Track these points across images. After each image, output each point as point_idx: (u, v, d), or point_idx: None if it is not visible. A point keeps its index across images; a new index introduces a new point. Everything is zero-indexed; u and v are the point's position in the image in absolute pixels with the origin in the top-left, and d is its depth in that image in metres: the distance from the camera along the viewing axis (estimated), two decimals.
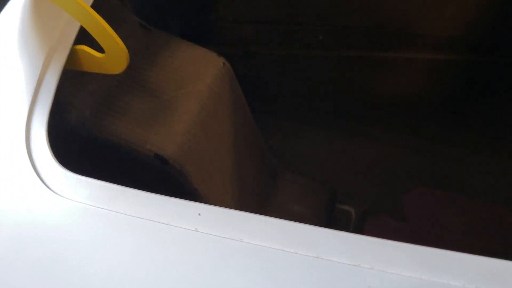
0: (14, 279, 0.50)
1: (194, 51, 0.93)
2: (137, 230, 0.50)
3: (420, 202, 1.27)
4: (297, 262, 0.45)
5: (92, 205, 0.52)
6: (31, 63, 0.61)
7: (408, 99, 1.33)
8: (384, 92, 1.32)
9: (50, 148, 0.56)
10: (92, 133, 0.78)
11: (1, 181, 0.56)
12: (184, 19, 1.22)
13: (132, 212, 0.50)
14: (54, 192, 0.53)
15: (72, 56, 0.65)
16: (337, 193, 1.21)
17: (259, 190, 1.08)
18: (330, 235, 0.46)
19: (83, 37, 0.66)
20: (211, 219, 0.48)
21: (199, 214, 0.49)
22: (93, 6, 0.68)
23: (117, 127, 0.79)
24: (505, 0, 1.14)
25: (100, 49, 0.65)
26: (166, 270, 0.47)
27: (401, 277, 0.42)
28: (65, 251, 0.50)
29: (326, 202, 1.18)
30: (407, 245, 0.44)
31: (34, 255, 0.51)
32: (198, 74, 0.90)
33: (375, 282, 0.42)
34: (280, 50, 1.31)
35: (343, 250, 0.44)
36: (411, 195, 1.28)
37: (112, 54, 0.64)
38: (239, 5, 1.26)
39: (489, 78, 1.27)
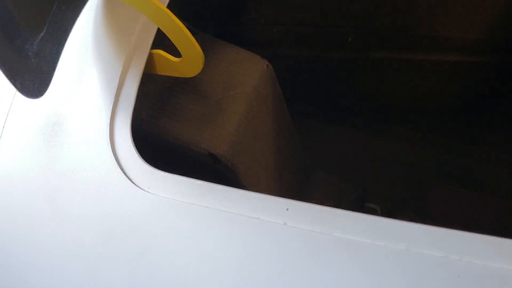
0: (111, 266, 0.53)
1: (239, 54, 0.96)
2: (227, 224, 0.53)
3: (444, 200, 1.31)
4: (388, 255, 0.48)
5: (181, 201, 0.55)
6: (110, 67, 0.64)
7: (435, 99, 1.36)
8: (411, 93, 1.36)
9: (135, 147, 0.59)
10: (150, 133, 0.81)
11: (90, 180, 0.59)
12: (218, 21, 1.25)
13: (221, 206, 0.53)
14: (142, 189, 0.56)
15: (149, 60, 0.68)
16: (365, 192, 1.24)
17: (295, 187, 1.11)
18: (417, 229, 0.49)
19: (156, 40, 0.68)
20: (299, 213, 0.51)
21: (287, 209, 0.52)
22: None
23: (172, 127, 0.82)
24: None
25: (173, 52, 0.68)
26: (256, 263, 0.50)
27: (490, 268, 0.46)
28: (155, 243, 0.53)
29: (356, 200, 1.22)
30: (494, 238, 0.47)
31: (125, 247, 0.54)
32: (244, 76, 0.93)
33: (464, 273, 0.45)
34: (309, 52, 1.34)
35: (431, 243, 0.47)
36: (436, 193, 1.32)
37: (189, 58, 0.66)
38: (269, 9, 1.29)
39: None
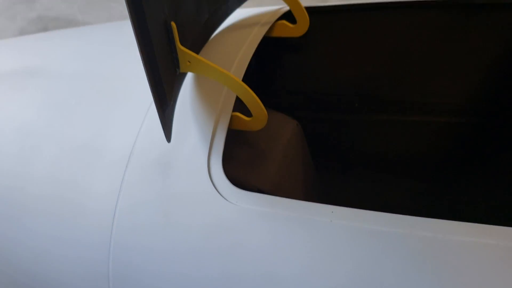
0: (206, 266, 0.76)
1: (275, 115, 1.25)
2: (301, 225, 0.77)
3: None
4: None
5: (260, 210, 0.80)
6: (206, 124, 0.92)
7: (430, 155, 1.63)
8: (407, 148, 1.63)
9: (225, 176, 0.86)
10: None
11: (194, 199, 0.84)
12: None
13: (289, 212, 0.78)
14: (232, 203, 0.82)
15: (230, 119, 0.95)
16: None
17: None
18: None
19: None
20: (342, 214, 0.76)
21: (332, 212, 0.77)
22: None
23: (231, 170, 1.09)
24: (502, 75, 1.48)
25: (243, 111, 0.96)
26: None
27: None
28: (243, 240, 0.78)
29: None
30: None
31: (221, 244, 0.78)
32: (280, 131, 1.21)
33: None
34: (323, 115, 1.63)
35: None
36: None
37: (257, 117, 0.94)
38: (290, 81, 1.59)
39: (491, 138, 1.59)
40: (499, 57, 1.38)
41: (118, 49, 1.24)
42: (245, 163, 1.12)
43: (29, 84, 1.16)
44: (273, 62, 1.53)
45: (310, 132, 1.64)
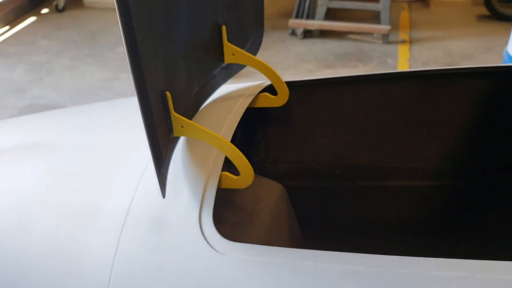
0: None
1: (261, 179, 1.33)
2: (288, 270, 0.82)
3: None
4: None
5: (250, 259, 0.85)
6: (197, 183, 0.99)
7: (405, 218, 1.71)
8: (387, 212, 1.71)
9: (216, 229, 0.92)
10: None
11: (187, 252, 0.89)
12: None
13: (277, 259, 0.84)
14: (223, 254, 0.87)
15: (219, 178, 1.03)
16: None
17: None
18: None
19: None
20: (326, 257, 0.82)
21: (316, 256, 0.83)
22: None
23: (218, 230, 1.14)
24: (468, 138, 1.61)
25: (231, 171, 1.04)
26: None
27: None
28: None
29: None
30: None
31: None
32: (267, 194, 1.29)
33: None
34: (308, 183, 1.72)
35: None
36: None
37: (244, 175, 1.02)
38: (275, 150, 1.70)
39: (466, 200, 1.68)
40: (465, 121, 1.51)
41: (113, 123, 1.34)
42: (234, 224, 1.18)
43: (30, 157, 1.24)
44: (258, 134, 1.64)
45: (296, 200, 1.71)
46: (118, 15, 0.75)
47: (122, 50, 4.48)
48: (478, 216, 1.63)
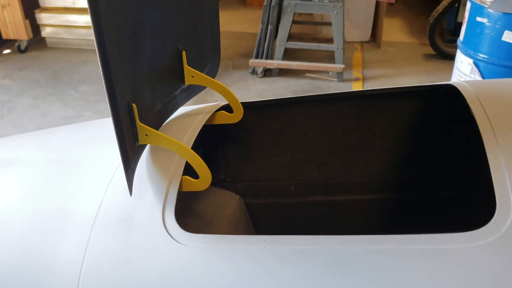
0: None
1: (220, 191, 1.45)
2: (243, 253, 0.93)
3: None
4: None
5: (210, 246, 0.96)
6: (160, 184, 1.10)
7: (355, 230, 1.85)
8: (339, 226, 1.84)
9: (177, 223, 1.02)
10: None
11: (152, 245, 0.99)
12: None
13: (228, 245, 0.95)
14: (184, 244, 0.98)
15: (180, 181, 1.14)
16: None
17: None
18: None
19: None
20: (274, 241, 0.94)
21: (265, 240, 0.94)
22: None
23: None
24: (409, 153, 1.78)
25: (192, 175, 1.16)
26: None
27: None
28: (196, 276, 0.93)
29: None
30: None
31: (176, 285, 0.93)
32: (226, 204, 1.40)
33: None
34: (265, 200, 1.84)
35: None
36: None
37: (203, 178, 1.14)
38: (234, 169, 1.82)
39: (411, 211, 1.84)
40: (403, 137, 1.69)
41: (82, 140, 1.44)
42: (195, 230, 1.28)
43: (2, 172, 1.31)
44: (218, 154, 1.77)
45: (255, 217, 1.83)
46: (94, 35, 0.88)
47: (85, 89, 4.57)
48: (421, 224, 1.78)
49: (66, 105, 4.31)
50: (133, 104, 1.06)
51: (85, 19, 5.28)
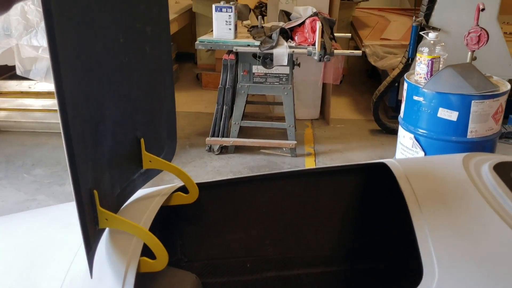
0: None
1: (176, 271, 1.49)
2: None
3: None
4: None
5: None
6: (119, 266, 1.14)
7: None
8: None
9: None
10: None
11: None
12: None
13: None
14: None
15: (138, 263, 1.18)
16: None
17: None
18: None
19: None
20: None
21: None
22: None
23: None
24: (355, 226, 1.89)
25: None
26: None
27: None
28: None
29: None
30: None
31: None
32: (182, 284, 1.44)
33: None
34: (222, 278, 1.88)
35: None
36: None
37: (160, 258, 1.18)
38: (190, 250, 1.87)
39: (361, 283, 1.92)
40: (347, 211, 1.81)
41: (42, 225, 1.46)
42: None
43: None
44: (175, 234, 1.81)
45: None
46: (62, 134, 0.98)
47: (38, 172, 4.52)
48: None
49: (18, 189, 4.23)
50: (95, 191, 1.13)
51: (41, 103, 5.32)
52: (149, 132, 1.44)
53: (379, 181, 1.70)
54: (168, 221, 1.76)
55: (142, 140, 1.40)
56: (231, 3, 4.58)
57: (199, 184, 1.56)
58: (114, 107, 1.23)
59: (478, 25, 3.81)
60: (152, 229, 1.42)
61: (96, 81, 1.15)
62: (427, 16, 4.70)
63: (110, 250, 1.19)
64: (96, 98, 1.15)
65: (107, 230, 1.27)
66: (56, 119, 1.14)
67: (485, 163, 1.48)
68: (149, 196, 1.47)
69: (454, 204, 1.27)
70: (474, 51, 3.85)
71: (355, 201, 1.76)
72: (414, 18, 4.75)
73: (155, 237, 1.16)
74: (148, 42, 1.38)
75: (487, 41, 3.80)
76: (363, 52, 5.48)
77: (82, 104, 1.05)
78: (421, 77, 3.76)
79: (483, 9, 3.77)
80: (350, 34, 5.78)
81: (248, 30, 4.85)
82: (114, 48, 1.23)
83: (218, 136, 4.90)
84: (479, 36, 3.79)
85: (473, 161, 1.50)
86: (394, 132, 5.13)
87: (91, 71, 1.12)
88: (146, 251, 1.21)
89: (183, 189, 1.55)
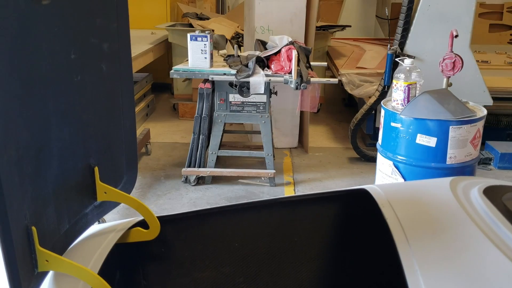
0: None
1: None
2: None
3: None
4: None
5: None
6: None
7: None
8: None
9: None
10: None
11: None
12: None
13: None
14: None
15: None
16: None
17: None
18: None
19: None
20: None
21: None
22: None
23: None
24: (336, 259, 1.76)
25: None
26: None
27: None
28: None
29: None
30: None
31: None
32: None
33: None
34: None
35: None
36: None
37: None
38: (166, 273, 1.69)
39: None
40: (327, 242, 1.68)
41: None
42: None
43: None
44: (138, 274, 1.65)
45: None
46: None
47: None
48: None
49: None
50: (33, 227, 0.98)
51: None
52: (105, 160, 1.30)
53: (360, 209, 1.59)
54: (131, 260, 1.60)
55: (96, 169, 1.26)
56: (206, 32, 4.53)
57: (161, 218, 1.42)
58: (62, 131, 1.10)
59: (453, 51, 3.82)
60: (112, 269, 1.27)
61: (39, 101, 1.02)
62: (402, 44, 4.73)
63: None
64: (39, 120, 1.01)
65: (51, 274, 1.11)
66: None
67: (474, 187, 1.38)
68: (102, 232, 1.32)
69: (444, 232, 1.15)
70: (449, 77, 3.85)
71: (336, 232, 1.64)
72: (389, 46, 4.77)
73: (104, 282, 1.01)
74: (105, 60, 1.26)
75: (461, 67, 3.81)
76: (340, 81, 5.47)
77: (17, 126, 0.92)
78: (398, 104, 3.72)
79: (456, 36, 3.79)
80: (326, 63, 5.79)
81: (224, 59, 4.79)
82: (64, 65, 1.11)
83: (194, 167, 4.76)
84: (453, 62, 3.80)
85: (461, 185, 1.41)
86: (373, 160, 5.07)
87: (33, 89, 0.99)
88: None
89: (143, 223, 1.41)
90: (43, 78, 1.04)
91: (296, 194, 1.63)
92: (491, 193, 1.34)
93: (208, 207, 1.58)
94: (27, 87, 0.98)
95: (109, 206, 1.36)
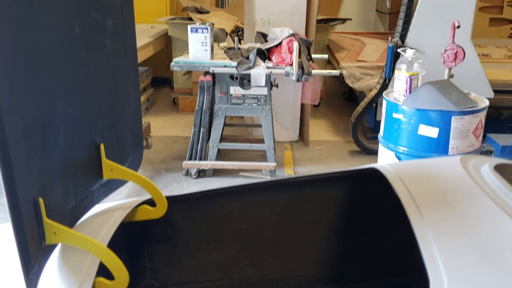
0: None
1: None
2: None
3: None
4: None
5: None
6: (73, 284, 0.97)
7: None
8: None
9: None
10: None
11: None
12: None
13: None
14: None
15: (94, 285, 1.01)
16: None
17: None
18: None
19: None
20: None
21: None
22: None
23: None
24: (341, 242, 1.75)
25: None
26: None
27: None
28: None
29: None
30: None
31: None
32: None
33: None
34: None
35: None
36: None
37: (119, 279, 1.02)
38: (162, 274, 1.69)
39: None
40: (335, 224, 1.67)
41: None
42: None
43: None
44: (143, 256, 1.64)
45: None
46: None
47: None
48: None
49: None
50: (40, 199, 0.97)
51: None
52: (111, 137, 1.29)
53: (370, 188, 1.57)
54: (136, 242, 1.59)
55: (102, 146, 1.24)
56: (207, 24, 4.51)
57: (168, 198, 1.40)
58: (67, 107, 1.09)
59: (454, 43, 3.81)
60: (118, 250, 1.25)
61: (44, 75, 1.00)
62: (403, 37, 4.71)
63: (61, 270, 1.02)
64: (44, 93, 1.00)
65: (59, 247, 1.10)
66: None
67: (484, 164, 1.38)
68: (109, 210, 1.31)
69: (457, 204, 1.14)
70: (451, 68, 3.84)
71: (343, 213, 1.63)
72: (390, 39, 4.75)
73: (113, 254, 1.00)
74: (109, 37, 1.24)
75: (463, 58, 3.79)
76: (340, 74, 5.45)
77: (23, 100, 0.90)
78: (400, 94, 3.71)
79: (458, 26, 3.77)
80: (327, 55, 5.77)
81: (224, 52, 4.77)
82: (68, 39, 1.09)
83: (195, 160, 4.74)
84: (455, 53, 3.79)
85: (472, 162, 1.41)
86: (374, 153, 5.06)
87: (38, 61, 0.98)
88: (105, 271, 1.05)
89: (150, 202, 1.40)
90: (48, 51, 1.02)
91: (304, 175, 1.62)
92: (502, 169, 1.34)
93: (213, 187, 1.56)
94: (32, 58, 0.96)
95: (115, 184, 1.35)
